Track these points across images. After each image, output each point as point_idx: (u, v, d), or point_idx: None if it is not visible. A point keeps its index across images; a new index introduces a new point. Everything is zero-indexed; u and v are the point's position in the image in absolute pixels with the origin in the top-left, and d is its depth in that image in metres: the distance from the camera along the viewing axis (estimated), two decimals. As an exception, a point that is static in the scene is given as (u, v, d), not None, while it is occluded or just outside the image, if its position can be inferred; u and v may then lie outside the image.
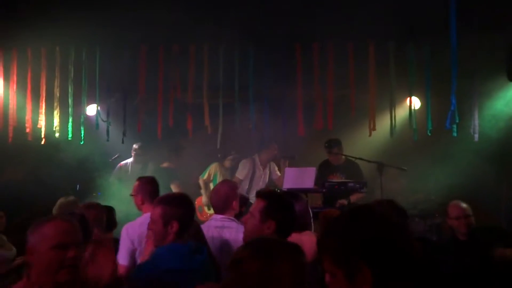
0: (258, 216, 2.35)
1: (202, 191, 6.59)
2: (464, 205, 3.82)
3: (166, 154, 6.73)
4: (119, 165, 6.71)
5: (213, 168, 6.63)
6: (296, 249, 1.61)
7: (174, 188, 6.22)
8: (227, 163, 6.73)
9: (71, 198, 4.32)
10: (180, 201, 2.62)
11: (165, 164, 6.68)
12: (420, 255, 1.25)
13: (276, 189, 5.38)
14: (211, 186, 6.55)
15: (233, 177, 6.44)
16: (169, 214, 2.53)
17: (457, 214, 3.78)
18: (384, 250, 1.17)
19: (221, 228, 3.30)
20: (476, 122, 5.38)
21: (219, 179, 6.49)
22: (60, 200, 4.27)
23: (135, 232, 3.30)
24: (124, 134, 6.00)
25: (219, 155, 6.86)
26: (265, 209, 2.34)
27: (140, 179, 3.72)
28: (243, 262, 1.54)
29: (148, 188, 3.58)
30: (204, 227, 3.33)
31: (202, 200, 6.63)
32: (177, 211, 2.54)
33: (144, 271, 2.38)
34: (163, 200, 2.64)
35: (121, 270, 3.16)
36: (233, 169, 6.64)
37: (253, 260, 1.53)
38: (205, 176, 6.60)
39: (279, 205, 2.41)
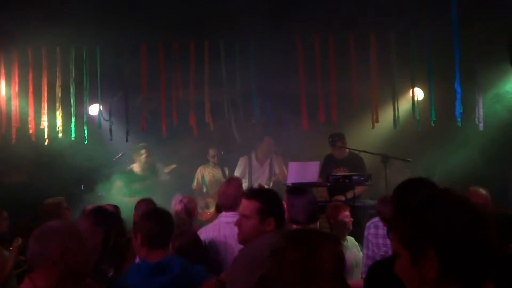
0: (256, 217, 2.40)
1: (198, 197, 6.56)
2: (484, 192, 3.72)
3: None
4: (129, 168, 6.78)
5: (199, 173, 6.69)
6: (334, 239, 1.67)
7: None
8: (211, 161, 6.72)
9: (59, 198, 4.41)
10: (149, 215, 2.60)
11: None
12: (499, 250, 1.21)
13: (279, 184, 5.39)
14: (204, 189, 6.60)
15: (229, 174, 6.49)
16: (136, 226, 2.57)
17: (478, 201, 3.68)
18: (458, 241, 1.14)
19: (232, 224, 3.28)
20: (481, 111, 5.34)
21: (208, 179, 6.57)
22: (47, 200, 4.35)
23: None
24: (127, 133, 6.00)
25: (222, 152, 6.85)
26: (262, 209, 2.40)
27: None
28: (283, 252, 1.57)
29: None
30: (215, 225, 3.34)
31: (200, 203, 6.61)
32: (143, 224, 2.54)
33: (114, 285, 2.47)
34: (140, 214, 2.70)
35: None
36: (222, 163, 6.67)
37: (293, 249, 1.56)
38: (195, 183, 6.66)
39: (274, 202, 2.48)
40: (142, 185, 6.21)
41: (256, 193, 2.53)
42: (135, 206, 4.03)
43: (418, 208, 1.21)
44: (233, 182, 3.72)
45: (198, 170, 6.70)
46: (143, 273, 2.38)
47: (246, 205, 2.46)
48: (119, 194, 6.05)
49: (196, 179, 6.68)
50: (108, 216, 2.99)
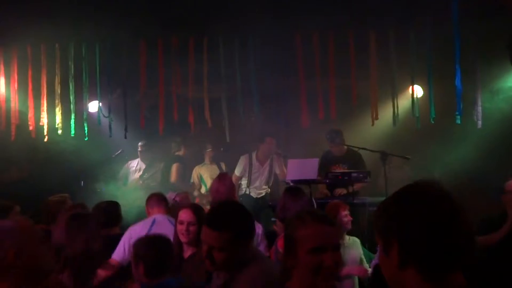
0: (230, 248, 2.05)
1: (199, 195, 6.58)
2: None
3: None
4: (126, 165, 6.79)
5: (194, 174, 6.66)
6: (323, 218, 1.83)
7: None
8: (207, 158, 6.72)
9: (64, 196, 4.44)
10: (148, 242, 2.58)
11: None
12: (471, 246, 1.22)
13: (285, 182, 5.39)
14: (203, 188, 6.60)
15: (230, 172, 6.49)
16: (136, 254, 2.55)
17: None
18: (415, 232, 1.20)
19: None
20: (480, 108, 5.35)
21: (206, 178, 6.56)
22: (51, 198, 4.38)
23: (136, 233, 3.40)
24: (125, 130, 6.00)
25: (221, 149, 6.86)
26: (236, 238, 2.07)
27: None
28: (288, 225, 1.87)
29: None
30: None
31: (203, 200, 6.62)
32: (143, 252, 2.53)
33: None
34: (136, 240, 2.68)
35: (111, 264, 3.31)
36: (217, 160, 6.69)
37: (291, 223, 1.85)
38: (192, 184, 6.64)
39: (246, 223, 2.15)
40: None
41: (224, 222, 2.08)
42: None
43: (388, 202, 1.29)
44: (224, 179, 3.74)
45: (194, 171, 6.67)
46: None
47: (215, 236, 2.05)
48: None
49: (192, 180, 6.66)
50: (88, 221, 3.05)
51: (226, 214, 2.14)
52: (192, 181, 6.68)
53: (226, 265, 2.08)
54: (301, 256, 1.76)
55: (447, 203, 1.22)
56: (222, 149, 6.80)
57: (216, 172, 6.51)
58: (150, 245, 2.55)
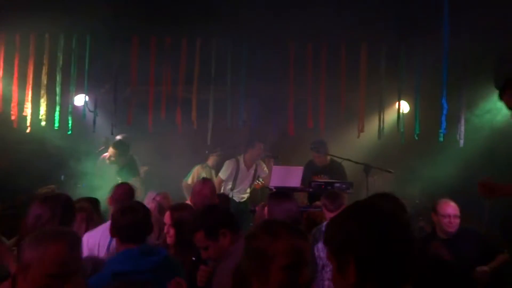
0: (210, 242, 2.50)
1: (186, 194, 6.28)
2: (452, 203, 3.86)
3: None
4: (102, 156, 6.61)
5: (196, 171, 6.52)
6: (297, 232, 1.74)
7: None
8: (211, 161, 6.65)
9: (51, 187, 4.38)
10: (124, 210, 2.63)
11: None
12: (417, 257, 1.27)
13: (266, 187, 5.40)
14: None
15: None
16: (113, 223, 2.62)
17: (448, 212, 3.79)
18: (372, 250, 1.21)
19: None
20: (463, 128, 5.47)
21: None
22: (39, 190, 4.31)
23: (96, 240, 3.20)
24: (113, 126, 5.91)
25: (206, 152, 6.81)
26: (207, 232, 2.50)
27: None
28: (251, 238, 1.73)
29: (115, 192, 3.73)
30: None
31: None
32: (121, 220, 2.59)
33: (96, 278, 2.44)
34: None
35: None
36: (219, 166, 6.58)
37: (259, 237, 1.71)
38: (189, 180, 6.44)
39: (209, 217, 2.56)
40: None
41: (194, 226, 2.57)
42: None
43: (342, 219, 1.29)
44: (209, 182, 3.75)
45: (195, 169, 6.50)
46: (133, 255, 2.43)
47: (197, 239, 2.54)
48: None
49: (191, 177, 6.50)
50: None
51: (192, 220, 2.65)
52: (188, 180, 6.49)
53: (219, 256, 2.48)
54: (273, 272, 1.64)
55: (400, 219, 1.27)
56: (206, 152, 6.74)
57: (214, 177, 6.42)
58: (122, 211, 2.61)
